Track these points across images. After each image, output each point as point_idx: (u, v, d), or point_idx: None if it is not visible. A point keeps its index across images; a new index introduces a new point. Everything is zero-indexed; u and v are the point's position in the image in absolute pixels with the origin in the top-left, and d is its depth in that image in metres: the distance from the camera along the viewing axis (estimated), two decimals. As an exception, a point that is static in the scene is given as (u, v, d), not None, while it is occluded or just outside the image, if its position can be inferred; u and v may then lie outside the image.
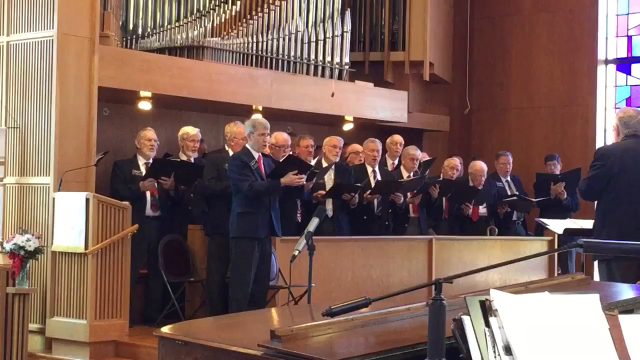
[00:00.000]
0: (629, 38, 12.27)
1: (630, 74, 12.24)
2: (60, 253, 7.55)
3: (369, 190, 9.13)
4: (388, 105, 11.47)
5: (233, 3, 10.08)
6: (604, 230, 6.24)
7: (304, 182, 7.84)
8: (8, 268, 7.35)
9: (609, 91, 12.29)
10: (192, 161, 8.72)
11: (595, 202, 6.76)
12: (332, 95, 10.63)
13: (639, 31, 12.23)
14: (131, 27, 9.38)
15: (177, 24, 9.60)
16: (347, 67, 11.06)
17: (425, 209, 9.93)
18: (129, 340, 7.51)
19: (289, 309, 5.84)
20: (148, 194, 8.33)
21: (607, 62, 12.29)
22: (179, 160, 8.61)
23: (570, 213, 10.23)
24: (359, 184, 8.92)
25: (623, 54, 12.30)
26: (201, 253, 8.46)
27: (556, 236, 9.72)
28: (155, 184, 8.25)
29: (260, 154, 7.76)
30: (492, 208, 10.26)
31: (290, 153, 8.70)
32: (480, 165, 10.31)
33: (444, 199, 10.11)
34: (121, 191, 8.21)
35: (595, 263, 7.25)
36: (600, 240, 6.03)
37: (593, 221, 6.69)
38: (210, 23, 9.80)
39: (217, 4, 9.97)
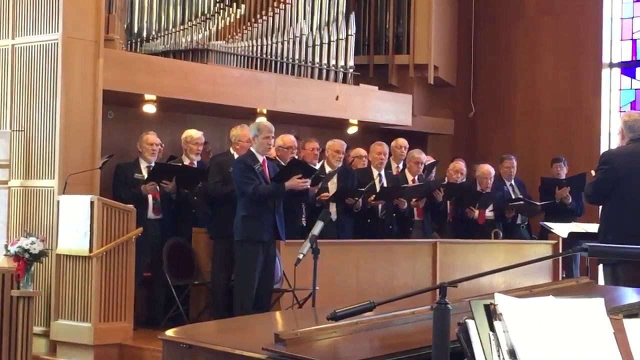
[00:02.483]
0: (634, 41, 12.25)
1: (635, 78, 12.22)
2: (64, 256, 7.56)
3: (374, 196, 9.13)
4: (392, 108, 11.47)
5: (238, 6, 10.10)
6: (610, 234, 6.22)
7: (309, 186, 7.84)
8: (12, 271, 7.36)
9: (614, 94, 12.27)
10: (195, 164, 8.73)
11: (600, 206, 6.74)
12: (337, 98, 10.64)
13: (644, 35, 12.24)
14: (136, 30, 9.40)
15: (181, 27, 9.62)
16: (351, 70, 11.06)
17: (429, 212, 9.92)
18: (133, 343, 7.51)
19: (293, 313, 5.84)
20: (150, 197, 8.34)
21: (611, 65, 12.28)
22: (180, 164, 8.62)
23: (575, 217, 10.21)
24: (362, 189, 8.91)
25: (628, 57, 12.29)
26: (206, 256, 8.46)
27: (561, 240, 9.70)
28: (157, 187, 8.26)
29: (264, 157, 7.77)
30: (499, 211, 10.24)
31: (295, 156, 8.70)
32: (487, 168, 10.29)
33: (448, 202, 10.10)
34: (123, 194, 8.21)
35: (600, 267, 7.23)
36: (605, 244, 6.05)
37: (598, 225, 6.68)
38: (215, 26, 9.81)
39: (221, 7, 9.99)
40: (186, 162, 8.74)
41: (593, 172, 6.76)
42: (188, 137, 8.82)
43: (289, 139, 8.74)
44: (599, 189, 6.40)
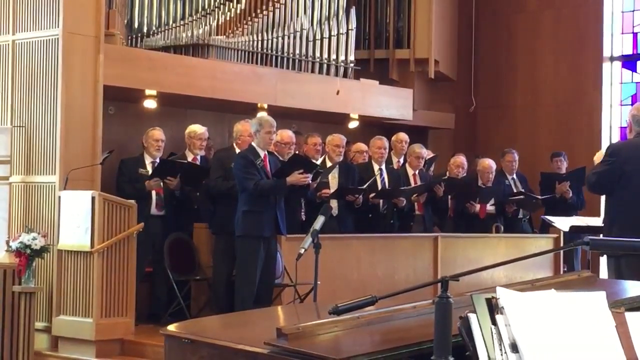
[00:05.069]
0: (635, 35, 12.24)
1: (635, 71, 12.22)
2: (66, 251, 7.56)
3: (373, 194, 9.13)
4: (393, 103, 11.46)
5: (238, 1, 10.08)
6: (615, 227, 6.22)
7: (310, 182, 7.84)
8: (14, 267, 7.37)
9: (615, 88, 12.27)
10: (199, 159, 8.74)
11: (604, 199, 6.74)
12: (337, 93, 10.63)
13: (644, 28, 12.23)
14: (136, 25, 9.38)
15: (182, 22, 9.61)
16: (352, 65, 11.05)
17: (430, 207, 9.92)
18: (135, 338, 7.52)
19: (294, 307, 5.83)
20: (153, 193, 8.34)
21: (612, 59, 12.27)
22: (185, 161, 8.61)
23: (575, 211, 10.21)
24: (362, 187, 8.90)
25: (629, 50, 12.27)
26: (207, 251, 8.46)
27: (562, 234, 9.70)
28: (161, 183, 8.26)
29: (266, 152, 7.76)
30: (501, 206, 10.24)
31: (296, 152, 8.70)
32: (489, 163, 10.30)
33: (449, 197, 10.10)
34: (127, 189, 8.23)
35: (602, 260, 7.23)
36: (610, 236, 6.05)
37: (602, 217, 6.68)
38: (215, 21, 9.80)
39: (222, 2, 9.97)
40: (189, 157, 8.75)
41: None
42: (192, 132, 8.83)
43: (287, 134, 8.75)
44: (603, 180, 6.39)
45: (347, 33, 10.99)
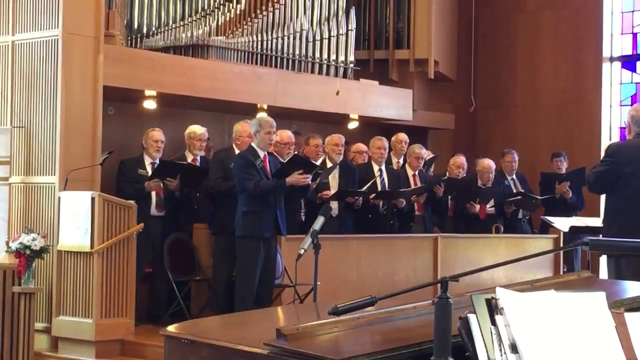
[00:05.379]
0: (634, 35, 12.25)
1: (635, 72, 12.22)
2: (65, 252, 7.56)
3: (373, 195, 9.13)
4: (393, 103, 11.47)
5: (238, 2, 10.09)
6: (615, 227, 6.23)
7: (309, 182, 7.84)
8: (14, 267, 7.37)
9: (614, 88, 12.27)
10: (199, 159, 8.74)
11: (604, 199, 6.75)
12: (337, 93, 10.63)
13: (644, 28, 12.23)
14: (136, 26, 9.39)
15: (181, 23, 9.61)
16: (351, 65, 11.05)
17: (430, 207, 9.92)
18: (135, 339, 7.52)
19: (294, 308, 5.83)
20: (153, 193, 8.35)
21: (612, 59, 12.27)
22: (185, 162, 8.61)
23: (575, 212, 10.21)
24: (361, 190, 8.90)
25: (628, 51, 12.28)
26: (207, 252, 8.47)
27: (562, 234, 9.71)
28: (161, 184, 8.26)
29: (265, 153, 7.77)
30: (500, 206, 10.24)
31: (296, 152, 8.71)
32: (488, 163, 10.30)
33: (449, 197, 10.10)
34: (127, 190, 8.23)
35: (602, 260, 7.23)
36: (609, 236, 6.04)
37: (602, 218, 6.67)
38: (215, 22, 9.80)
39: (221, 2, 9.97)
40: (189, 157, 8.76)
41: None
42: (192, 133, 8.83)
43: (287, 135, 8.75)
44: (601, 180, 6.40)
45: (346, 33, 10.99)
